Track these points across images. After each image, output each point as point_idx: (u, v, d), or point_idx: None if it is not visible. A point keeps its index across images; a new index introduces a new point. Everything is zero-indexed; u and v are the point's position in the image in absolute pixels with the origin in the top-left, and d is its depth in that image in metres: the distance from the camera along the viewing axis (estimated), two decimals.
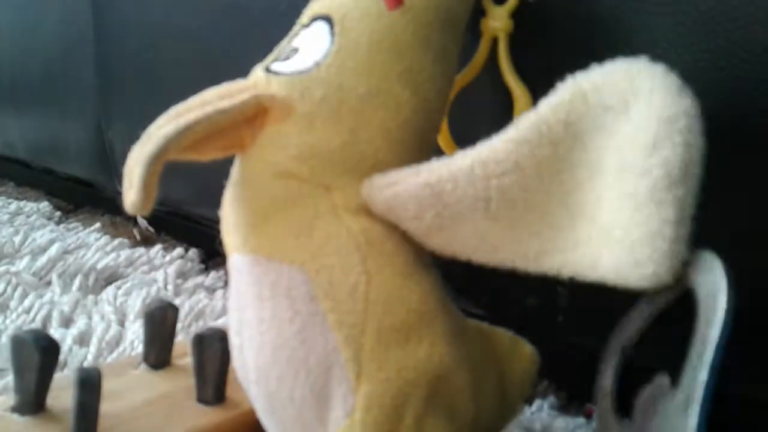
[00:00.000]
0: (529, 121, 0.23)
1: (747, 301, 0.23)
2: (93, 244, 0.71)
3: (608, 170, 0.22)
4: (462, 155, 0.24)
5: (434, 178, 0.25)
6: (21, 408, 0.31)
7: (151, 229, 0.80)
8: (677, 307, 0.27)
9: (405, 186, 0.26)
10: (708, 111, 0.29)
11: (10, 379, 0.40)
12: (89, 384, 0.29)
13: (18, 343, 0.31)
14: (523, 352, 0.33)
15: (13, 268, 0.60)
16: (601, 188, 0.22)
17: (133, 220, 0.82)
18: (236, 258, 0.28)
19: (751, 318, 0.31)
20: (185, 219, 0.71)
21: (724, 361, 0.22)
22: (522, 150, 0.23)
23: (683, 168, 0.21)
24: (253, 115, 0.27)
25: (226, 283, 0.64)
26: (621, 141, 0.22)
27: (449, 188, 0.24)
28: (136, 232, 0.81)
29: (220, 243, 0.29)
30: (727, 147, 0.29)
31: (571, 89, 0.22)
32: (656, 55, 0.30)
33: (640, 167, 0.21)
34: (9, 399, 0.32)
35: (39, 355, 0.31)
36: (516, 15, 0.33)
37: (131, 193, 0.24)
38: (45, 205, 0.92)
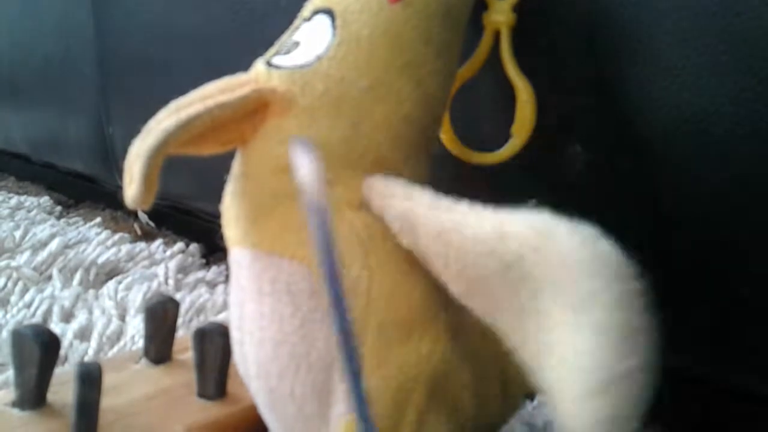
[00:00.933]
0: (493, 228, 0.22)
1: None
2: (94, 239, 0.71)
3: (559, 340, 0.21)
4: (445, 210, 0.24)
5: (413, 214, 0.25)
6: (21, 403, 0.31)
7: (152, 224, 0.80)
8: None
9: (393, 204, 0.25)
10: (710, 108, 0.29)
11: (10, 373, 0.40)
12: (90, 379, 0.29)
13: (18, 338, 0.31)
14: None
15: (13, 263, 0.60)
16: (552, 341, 0.21)
17: (133, 214, 0.82)
18: (237, 252, 0.28)
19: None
20: (186, 214, 0.71)
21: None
22: (477, 248, 0.22)
23: (622, 421, 0.19)
24: (254, 109, 0.27)
25: (227, 279, 0.64)
26: (571, 338, 0.20)
27: (421, 231, 0.24)
28: (136, 226, 0.81)
29: (222, 237, 0.29)
30: (729, 145, 0.29)
31: (532, 235, 0.21)
32: (659, 51, 0.30)
33: (582, 404, 0.19)
34: (9, 394, 0.32)
35: (39, 350, 0.30)
36: (518, 9, 0.33)
37: (132, 187, 0.24)
38: (45, 200, 0.92)
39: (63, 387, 0.32)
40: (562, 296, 0.20)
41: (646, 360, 0.19)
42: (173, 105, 0.26)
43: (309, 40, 0.28)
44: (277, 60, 0.28)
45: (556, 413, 0.21)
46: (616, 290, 0.19)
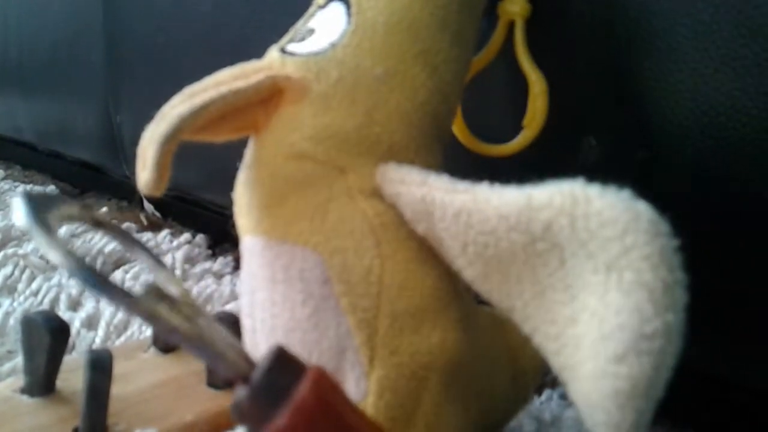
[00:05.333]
0: (517, 201, 0.22)
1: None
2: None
3: (585, 306, 0.20)
4: (463, 191, 0.24)
5: (429, 198, 0.24)
6: (31, 389, 0.31)
7: (158, 215, 0.80)
8: None
9: (407, 190, 0.25)
10: (727, 102, 0.29)
11: (19, 360, 0.40)
12: (101, 366, 0.29)
13: (28, 324, 0.31)
14: None
15: (21, 251, 0.60)
16: (576, 311, 0.21)
17: (139, 205, 0.82)
18: (249, 240, 0.27)
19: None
20: (192, 205, 0.71)
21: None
22: (501, 224, 0.22)
23: (648, 385, 0.19)
24: (268, 96, 0.27)
25: (233, 270, 0.64)
26: (599, 300, 0.20)
27: (438, 214, 0.24)
28: (142, 217, 0.81)
29: (233, 225, 0.29)
30: (747, 139, 0.29)
31: (563, 200, 0.21)
32: (676, 43, 0.30)
33: (606, 369, 0.19)
34: (18, 380, 0.32)
35: (49, 336, 0.30)
36: (533, 0, 0.32)
37: (145, 173, 0.24)
38: (52, 189, 0.92)
39: (72, 374, 0.32)
40: (594, 258, 0.20)
41: (675, 321, 0.19)
42: (187, 90, 0.26)
43: (324, 27, 0.28)
44: (291, 47, 0.28)
45: (573, 394, 0.21)
46: (651, 246, 0.19)
